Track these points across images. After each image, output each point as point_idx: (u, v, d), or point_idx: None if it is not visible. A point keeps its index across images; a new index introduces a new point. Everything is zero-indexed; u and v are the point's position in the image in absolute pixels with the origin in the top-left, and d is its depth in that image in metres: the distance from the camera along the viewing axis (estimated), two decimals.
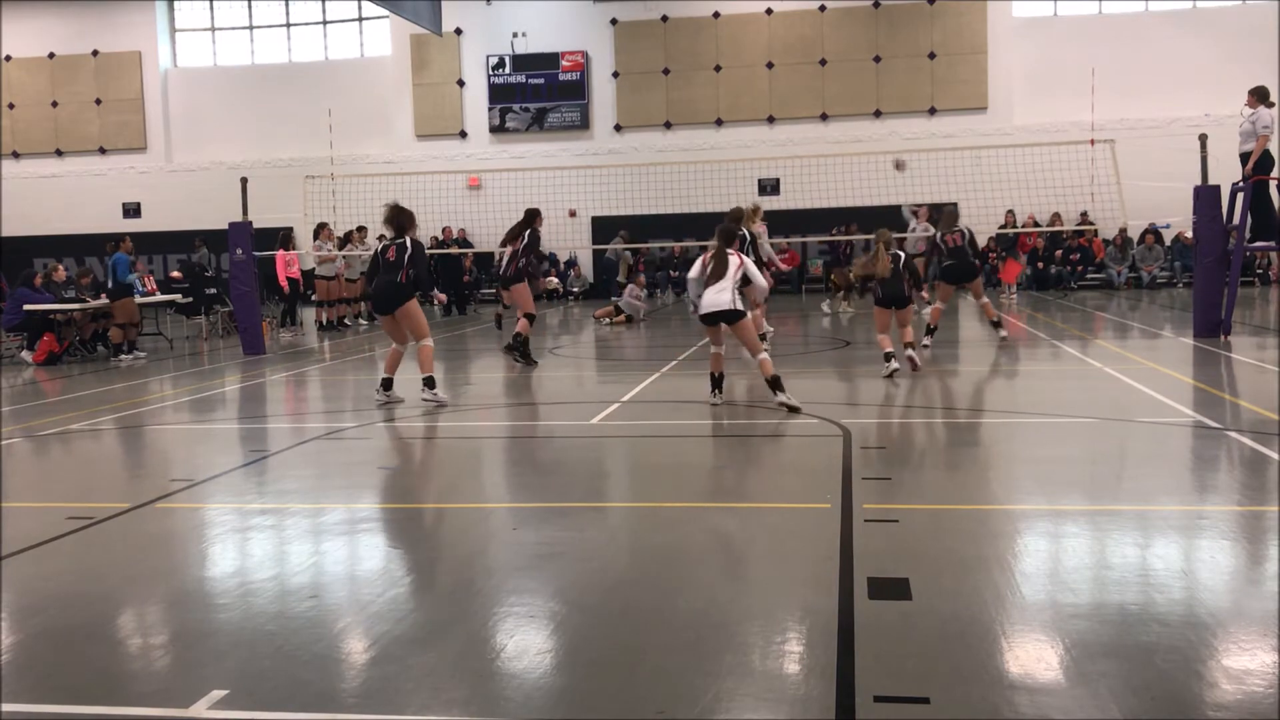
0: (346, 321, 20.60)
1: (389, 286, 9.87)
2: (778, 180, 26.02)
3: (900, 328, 11.35)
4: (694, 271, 9.47)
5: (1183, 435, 7.61)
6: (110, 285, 15.92)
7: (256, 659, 3.91)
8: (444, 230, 26.39)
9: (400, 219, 10.11)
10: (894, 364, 10.86)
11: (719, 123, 27.14)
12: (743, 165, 23.75)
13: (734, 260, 9.33)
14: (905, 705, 3.37)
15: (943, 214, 13.86)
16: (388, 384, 10.10)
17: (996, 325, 13.61)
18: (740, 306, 9.28)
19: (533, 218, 13.17)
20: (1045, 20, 26.41)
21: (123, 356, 15.36)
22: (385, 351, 10.58)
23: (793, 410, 8.85)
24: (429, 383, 9.84)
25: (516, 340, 12.82)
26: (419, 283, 9.97)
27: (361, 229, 21.96)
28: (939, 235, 13.34)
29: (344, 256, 20.33)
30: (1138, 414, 8.41)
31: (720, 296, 9.20)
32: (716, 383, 9.53)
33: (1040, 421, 8.46)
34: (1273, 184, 13.34)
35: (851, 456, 7.05)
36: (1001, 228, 23.32)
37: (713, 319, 9.30)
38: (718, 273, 9.27)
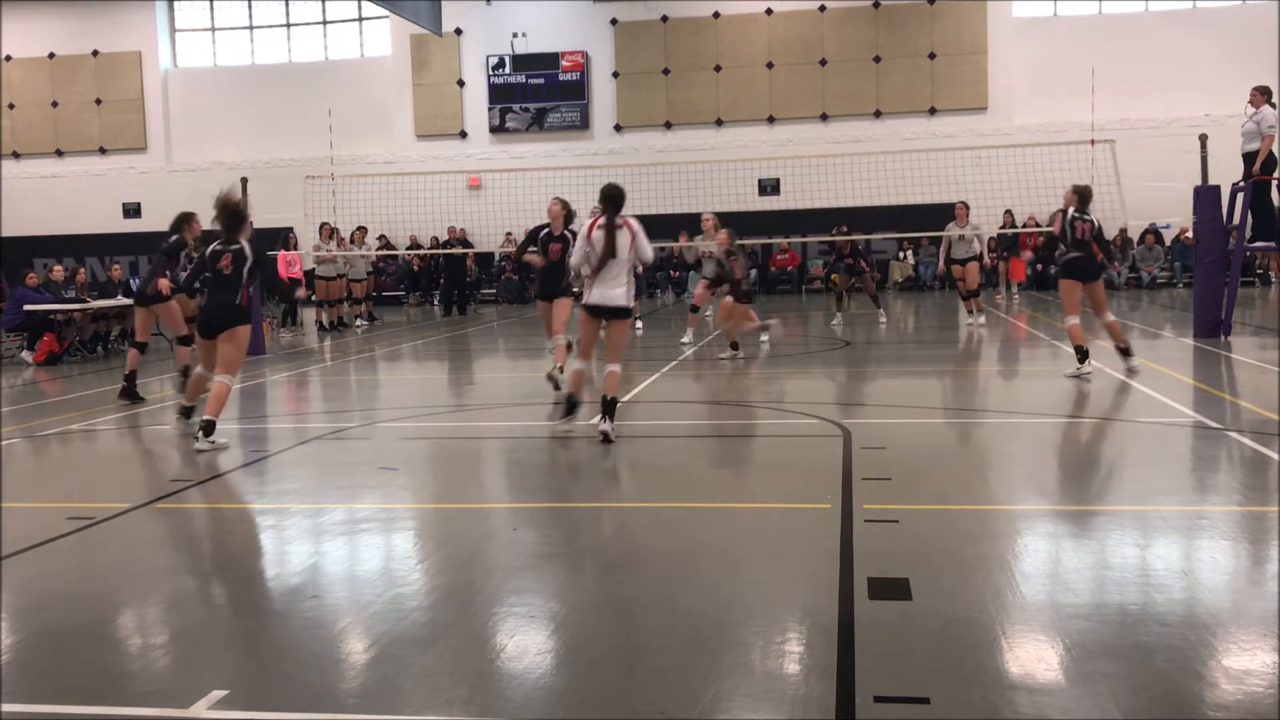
0: (360, 321, 20.65)
1: (227, 307, 8.06)
2: (778, 180, 26.03)
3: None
4: (576, 255, 7.99)
5: (1183, 435, 7.61)
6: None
7: (256, 659, 3.91)
8: (449, 230, 26.41)
9: (230, 217, 8.16)
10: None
11: (719, 123, 27.15)
12: (743, 165, 23.75)
13: (625, 235, 7.78)
14: (905, 705, 3.37)
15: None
16: (188, 412, 8.67)
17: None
18: (629, 303, 7.93)
19: (181, 224, 10.49)
20: (1045, 20, 26.41)
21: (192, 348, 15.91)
22: (386, 350, 10.54)
23: (605, 438, 7.70)
24: (208, 429, 7.89)
25: (129, 379, 10.46)
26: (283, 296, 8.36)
27: (361, 229, 21.98)
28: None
29: (343, 256, 20.32)
30: (1138, 414, 8.41)
31: (616, 290, 7.77)
32: (574, 407, 8.05)
33: (1040, 421, 8.46)
34: (1273, 184, 13.33)
35: (851, 456, 7.05)
36: (1002, 228, 23.31)
37: (600, 312, 7.82)
38: (610, 249, 7.71)
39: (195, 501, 6.53)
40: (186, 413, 8.66)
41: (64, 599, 4.67)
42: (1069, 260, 10.72)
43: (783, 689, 3.53)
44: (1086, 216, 10.81)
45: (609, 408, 7.77)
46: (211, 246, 8.24)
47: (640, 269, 7.97)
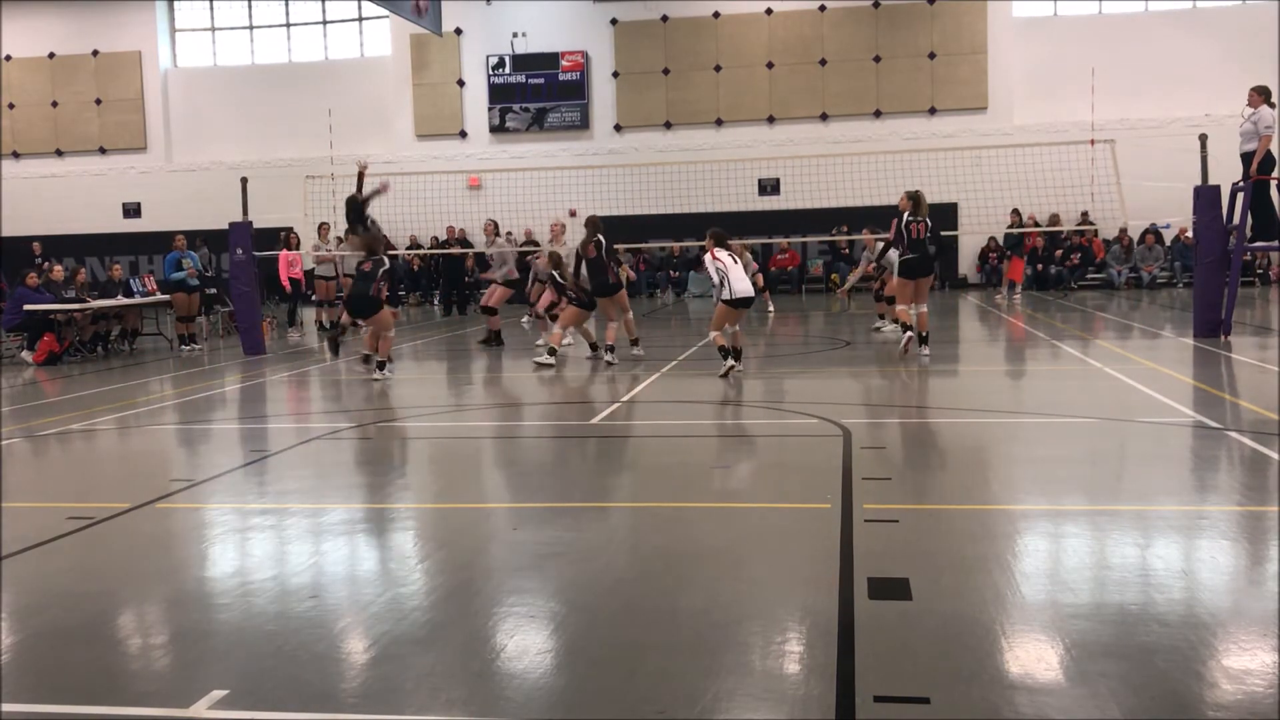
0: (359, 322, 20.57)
1: (364, 297, 12.02)
2: (778, 180, 26.02)
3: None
4: (732, 268, 11.02)
5: (1183, 435, 7.61)
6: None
7: (256, 659, 3.91)
8: (448, 230, 26.39)
9: (370, 245, 12.56)
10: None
11: (719, 123, 27.14)
12: (743, 165, 23.75)
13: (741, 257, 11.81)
14: (905, 705, 3.37)
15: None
16: (367, 359, 12.22)
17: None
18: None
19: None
20: (1045, 20, 26.40)
21: (182, 349, 16.38)
22: (394, 350, 10.54)
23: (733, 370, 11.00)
24: (381, 366, 11.89)
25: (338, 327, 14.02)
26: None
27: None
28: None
29: (342, 256, 20.27)
30: (1138, 414, 8.41)
31: (749, 285, 11.28)
32: (738, 354, 11.16)
33: (1040, 421, 8.46)
34: (1273, 184, 13.32)
35: (851, 456, 7.05)
36: (1009, 227, 23.30)
37: (747, 304, 11.15)
38: (746, 264, 11.86)
39: (195, 501, 6.53)
40: (366, 359, 12.38)
41: (64, 599, 4.67)
42: (905, 260, 12.21)
43: (783, 689, 3.53)
44: (920, 218, 12.09)
45: (739, 355, 11.23)
46: (359, 261, 12.50)
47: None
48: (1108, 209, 19.20)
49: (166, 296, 17.33)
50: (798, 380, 11.46)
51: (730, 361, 11.03)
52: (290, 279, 20.06)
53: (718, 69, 27.12)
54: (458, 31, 27.65)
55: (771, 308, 19.99)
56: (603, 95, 27.64)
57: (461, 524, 5.97)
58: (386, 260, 12.12)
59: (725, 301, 10.96)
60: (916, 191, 12.45)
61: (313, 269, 20.24)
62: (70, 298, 15.99)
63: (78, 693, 3.68)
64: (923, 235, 12.08)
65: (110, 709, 3.52)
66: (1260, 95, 13.31)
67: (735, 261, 11.03)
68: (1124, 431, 7.93)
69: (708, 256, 11.17)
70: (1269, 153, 13.14)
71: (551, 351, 12.53)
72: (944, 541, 5.12)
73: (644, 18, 27.29)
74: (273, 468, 7.61)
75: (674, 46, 27.22)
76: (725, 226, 12.71)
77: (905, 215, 12.18)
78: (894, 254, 13.91)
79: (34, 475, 7.77)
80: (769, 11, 26.83)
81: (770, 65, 26.92)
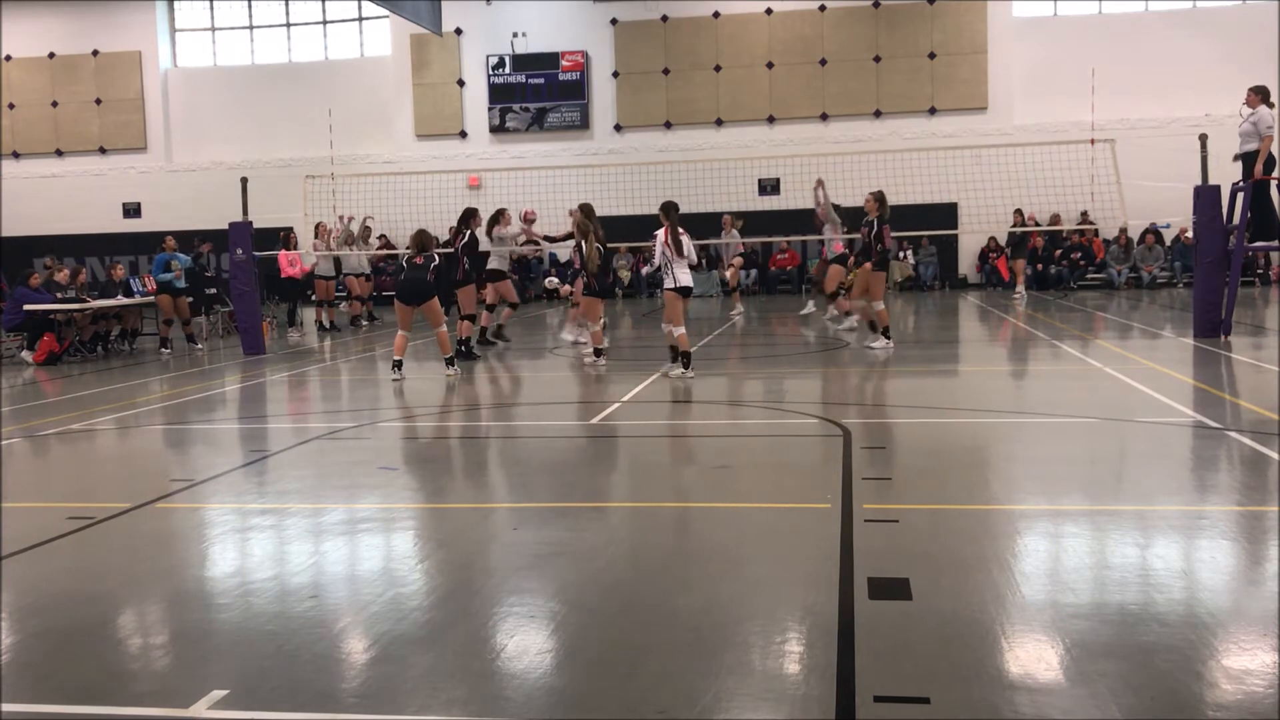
0: (363, 321, 20.61)
1: (419, 284, 11.95)
2: (778, 180, 26.02)
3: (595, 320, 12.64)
4: (683, 252, 11.00)
5: (1183, 435, 7.61)
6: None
7: (256, 659, 3.91)
8: (448, 230, 26.39)
9: (465, 220, 13.61)
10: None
11: (719, 123, 27.14)
12: (743, 165, 23.74)
13: (687, 240, 11.23)
14: (905, 705, 3.37)
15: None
16: (399, 365, 11.83)
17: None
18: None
19: (468, 219, 14.37)
20: (1045, 20, 26.41)
21: (162, 351, 16.18)
22: (386, 350, 10.54)
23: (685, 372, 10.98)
24: (450, 362, 12.03)
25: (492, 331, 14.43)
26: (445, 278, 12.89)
27: (366, 228, 21.92)
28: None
29: (340, 255, 20.29)
30: (1138, 414, 8.41)
31: (689, 276, 11.14)
32: (686, 358, 11.09)
33: (1040, 421, 8.46)
34: (1273, 184, 13.31)
35: (851, 456, 7.05)
36: (1012, 227, 23.32)
37: (689, 293, 11.13)
38: (688, 249, 11.19)
39: (195, 501, 6.53)
40: (398, 365, 11.78)
41: (64, 599, 4.67)
42: (885, 257, 13.41)
43: (783, 689, 3.53)
44: (886, 219, 13.28)
45: (687, 359, 11.16)
46: (411, 256, 12.05)
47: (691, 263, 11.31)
48: (1108, 209, 19.22)
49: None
50: (798, 380, 11.46)
51: (681, 369, 11.02)
52: (290, 278, 20.08)
53: (718, 69, 27.12)
54: (458, 31, 27.66)
55: (739, 308, 19.26)
56: (603, 95, 27.64)
57: (461, 524, 5.97)
58: (436, 257, 12.33)
59: (668, 290, 11.14)
60: (880, 192, 13.42)
61: (312, 269, 20.26)
62: (70, 298, 15.99)
63: (78, 693, 3.68)
64: (888, 236, 13.36)
65: (110, 709, 3.52)
66: (1258, 95, 13.29)
67: (683, 254, 11.08)
68: (1124, 431, 7.93)
69: (661, 233, 11.10)
70: (1269, 152, 13.12)
71: (598, 352, 12.50)
72: (944, 541, 5.12)
73: (644, 18, 27.29)
74: (273, 468, 7.61)
75: (674, 46, 27.22)
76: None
77: (876, 220, 13.17)
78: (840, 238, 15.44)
79: (34, 475, 7.77)
80: (769, 11, 26.84)
81: (770, 65, 26.92)
